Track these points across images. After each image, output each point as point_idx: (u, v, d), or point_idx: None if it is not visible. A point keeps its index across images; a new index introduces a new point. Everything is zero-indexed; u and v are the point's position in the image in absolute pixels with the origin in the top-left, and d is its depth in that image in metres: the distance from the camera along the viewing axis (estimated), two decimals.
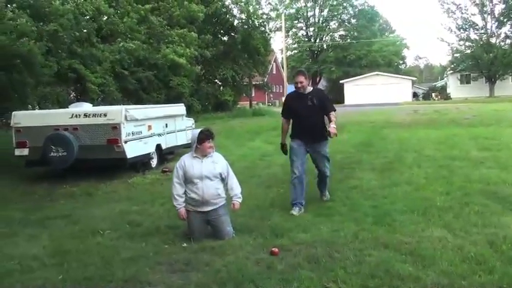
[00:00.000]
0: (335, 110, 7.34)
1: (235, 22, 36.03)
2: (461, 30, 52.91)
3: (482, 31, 52.67)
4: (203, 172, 5.98)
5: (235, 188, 6.20)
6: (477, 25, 52.67)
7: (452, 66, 56.11)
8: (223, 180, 6.14)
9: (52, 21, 15.42)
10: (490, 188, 8.10)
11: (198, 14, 26.36)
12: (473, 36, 53.06)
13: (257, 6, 36.85)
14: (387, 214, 6.74)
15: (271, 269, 4.77)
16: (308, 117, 7.23)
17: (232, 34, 35.90)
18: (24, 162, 11.73)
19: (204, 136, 6.04)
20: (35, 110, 16.20)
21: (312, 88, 7.63)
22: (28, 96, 15.16)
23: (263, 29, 37.15)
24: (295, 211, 7.02)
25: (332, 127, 6.96)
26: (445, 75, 64.95)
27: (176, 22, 25.49)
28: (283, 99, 8.18)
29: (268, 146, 14.85)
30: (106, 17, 21.24)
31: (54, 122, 11.30)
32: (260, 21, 36.18)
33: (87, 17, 18.78)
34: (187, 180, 6.05)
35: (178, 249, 5.65)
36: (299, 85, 7.27)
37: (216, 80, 36.13)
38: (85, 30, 18.10)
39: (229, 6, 35.38)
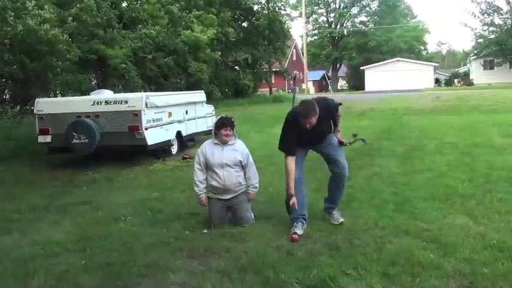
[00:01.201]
0: (341, 104, 6.09)
1: (255, 7, 35.86)
2: (485, 15, 51.99)
3: (507, 15, 51.68)
4: (224, 160, 5.98)
5: (253, 177, 6.17)
6: (501, 9, 51.73)
7: (476, 51, 55.21)
8: (243, 168, 6.14)
9: (74, 6, 15.59)
10: None
11: None
12: (497, 21, 52.16)
13: None
14: (408, 201, 6.70)
15: (291, 256, 4.78)
16: (318, 135, 5.86)
17: (253, 20, 35.71)
18: (46, 149, 11.88)
19: (221, 123, 6.03)
20: (57, 97, 16.37)
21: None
22: (51, 83, 15.34)
23: (284, 12, 36.94)
24: (298, 229, 5.51)
25: (337, 133, 6.11)
26: (468, 61, 63.98)
27: (194, 5, 25.48)
28: (287, 123, 6.02)
29: None
30: (127, 4, 21.37)
31: (76, 109, 11.41)
32: (280, 4, 35.95)
33: (109, 3, 18.89)
34: (209, 168, 6.06)
35: (198, 236, 5.68)
36: (308, 126, 5.53)
37: (236, 67, 36.07)
38: (105, 17, 18.21)
39: None
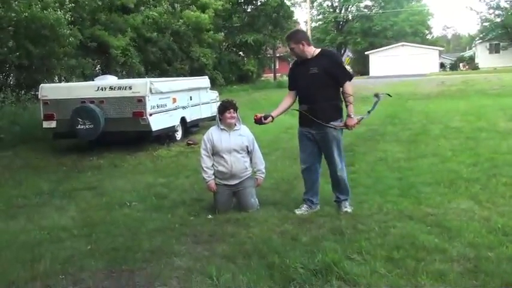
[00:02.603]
0: (351, 79, 5.75)
1: None
2: None
3: None
4: (231, 146, 5.98)
5: (259, 163, 6.18)
6: None
7: (481, 35, 54.86)
8: (249, 153, 6.14)
9: None
10: None
11: None
12: (503, 4, 51.70)
13: None
14: (412, 186, 6.70)
15: (295, 241, 4.79)
16: (309, 90, 5.57)
17: (257, 3, 35.43)
18: (51, 135, 11.91)
19: (223, 107, 6.02)
20: (61, 83, 16.38)
21: (319, 50, 5.71)
22: (55, 68, 15.35)
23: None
24: (298, 210, 5.78)
25: (351, 116, 5.57)
26: (473, 45, 63.56)
27: None
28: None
29: (292, 119, 14.68)
30: None
31: (81, 95, 11.41)
32: None
33: None
34: (215, 153, 6.06)
35: (203, 221, 5.70)
36: (290, 53, 5.89)
37: (240, 52, 35.91)
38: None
39: None
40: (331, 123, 5.56)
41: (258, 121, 5.62)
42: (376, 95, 5.96)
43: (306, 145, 5.80)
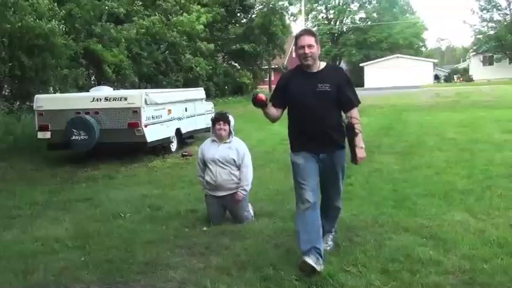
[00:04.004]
0: (359, 104, 4.65)
1: (257, 4, 35.69)
2: (484, 11, 51.97)
3: (506, 11, 51.68)
4: (215, 156, 5.97)
5: (244, 179, 5.99)
6: (500, 5, 51.70)
7: (475, 47, 55.22)
8: (238, 167, 6.06)
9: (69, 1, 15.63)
10: None
11: None
12: (496, 17, 52.15)
13: None
14: (407, 198, 6.70)
15: (290, 253, 4.77)
16: (316, 111, 4.44)
17: (252, 15, 35.53)
18: (46, 145, 11.87)
19: (214, 119, 6.08)
20: (56, 93, 16.37)
21: (325, 64, 4.63)
22: (50, 79, 15.34)
23: (284, 13, 36.61)
24: (311, 260, 4.14)
25: (360, 148, 4.53)
26: (467, 57, 63.94)
27: None
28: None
29: (287, 130, 14.79)
30: None
31: (76, 106, 11.40)
32: (279, 4, 35.72)
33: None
34: (204, 163, 6.10)
35: (198, 233, 5.68)
36: (307, 51, 4.41)
37: (236, 64, 35.97)
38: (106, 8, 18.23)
39: None
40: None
41: (259, 101, 4.42)
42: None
43: (311, 172, 4.53)
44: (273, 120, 4.70)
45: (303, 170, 4.53)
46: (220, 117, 6.05)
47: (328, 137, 4.52)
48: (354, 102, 4.59)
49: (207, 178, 6.05)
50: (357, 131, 4.51)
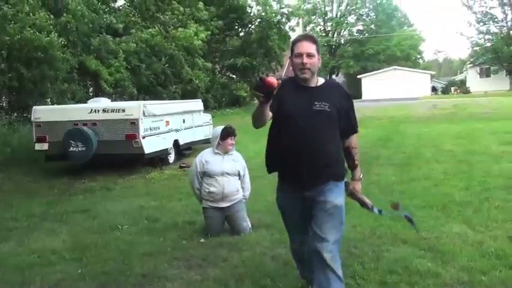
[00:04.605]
0: (357, 131, 3.91)
1: (254, 18, 35.79)
2: (481, 23, 52.27)
3: (502, 23, 52.01)
4: (224, 169, 6.02)
5: (246, 188, 6.30)
6: (497, 18, 52.03)
7: (472, 59, 55.48)
8: (240, 178, 6.21)
9: (65, 13, 15.68)
10: (510, 182, 8.00)
11: None
12: (493, 29, 52.44)
13: (274, 5, 36.25)
14: (405, 209, 6.67)
15: (288, 265, 4.76)
16: (310, 133, 3.58)
17: (250, 29, 35.65)
18: (43, 157, 11.85)
19: (227, 133, 6.09)
20: (54, 105, 16.37)
21: (324, 80, 3.82)
22: (48, 91, 15.36)
23: (281, 27, 36.67)
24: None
25: (360, 179, 4.03)
26: (464, 69, 64.20)
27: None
28: None
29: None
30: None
31: (74, 117, 11.40)
32: (277, 18, 35.81)
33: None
34: (208, 175, 6.08)
35: (195, 245, 5.66)
36: (305, 61, 3.57)
37: (233, 76, 36.00)
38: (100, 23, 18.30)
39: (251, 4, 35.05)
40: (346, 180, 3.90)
41: (268, 86, 3.14)
42: (395, 206, 4.30)
43: (296, 223, 3.91)
44: (262, 123, 3.54)
45: (288, 219, 3.97)
46: (232, 132, 6.13)
47: (321, 167, 3.60)
48: (356, 127, 3.86)
49: (212, 189, 6.05)
50: (356, 162, 3.90)
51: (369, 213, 6.55)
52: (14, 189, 10.23)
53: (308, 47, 3.58)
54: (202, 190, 6.12)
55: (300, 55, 3.57)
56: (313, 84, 3.69)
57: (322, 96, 3.64)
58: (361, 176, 4.02)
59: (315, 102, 3.60)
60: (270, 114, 3.47)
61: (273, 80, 3.10)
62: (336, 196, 3.71)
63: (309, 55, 3.57)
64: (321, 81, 3.77)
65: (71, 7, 16.06)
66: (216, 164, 6.07)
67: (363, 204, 4.13)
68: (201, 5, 25.57)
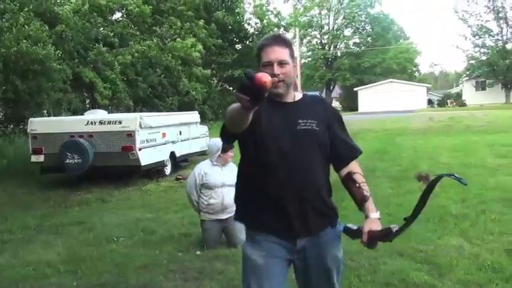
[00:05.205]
0: (361, 153, 2.85)
1: (251, 31, 35.98)
2: (477, 36, 52.62)
3: (498, 37, 52.37)
4: (226, 181, 6.02)
5: None
6: (492, 31, 52.39)
7: (468, 72, 55.78)
8: None
9: (59, 23, 15.75)
10: (506, 195, 8.00)
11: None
12: (488, 42, 52.78)
13: (272, 17, 36.46)
14: (402, 222, 6.68)
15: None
16: (296, 160, 2.62)
17: (247, 42, 35.84)
18: (39, 169, 11.82)
19: (228, 146, 6.09)
20: (50, 117, 16.37)
21: (301, 95, 2.82)
22: (44, 103, 15.36)
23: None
24: None
25: (375, 223, 2.67)
26: (460, 82, 64.53)
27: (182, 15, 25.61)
28: None
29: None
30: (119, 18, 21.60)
31: (70, 129, 11.39)
32: (275, 31, 36.01)
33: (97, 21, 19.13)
34: (207, 187, 6.08)
35: (191, 257, 5.64)
36: (276, 71, 2.58)
37: (231, 88, 36.12)
38: (100, 31, 18.37)
39: (249, 18, 35.27)
40: (347, 225, 2.82)
41: (259, 87, 2.06)
42: (407, 221, 2.69)
43: (273, 277, 2.66)
44: (240, 129, 2.42)
45: (261, 273, 2.63)
46: (233, 146, 6.12)
47: (314, 206, 2.66)
48: (355, 150, 2.81)
49: (212, 201, 6.05)
50: (366, 193, 2.72)
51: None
52: (9, 201, 10.19)
53: (280, 52, 2.61)
54: (200, 202, 6.10)
55: (270, 64, 2.59)
56: (289, 100, 2.69)
57: (304, 112, 2.68)
58: (378, 213, 2.72)
59: (299, 120, 2.63)
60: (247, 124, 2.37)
61: (265, 77, 2.05)
62: (337, 248, 2.86)
63: (281, 63, 2.60)
64: (298, 95, 2.76)
65: (62, 16, 16.12)
66: (216, 175, 6.07)
67: (388, 236, 2.64)
68: (201, 22, 25.67)
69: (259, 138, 2.58)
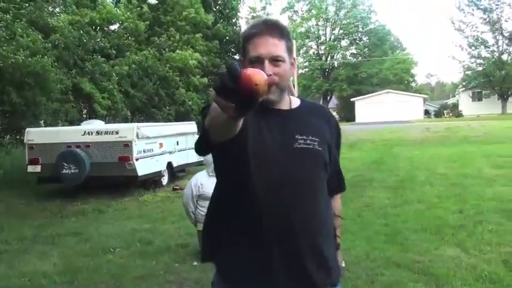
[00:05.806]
0: (345, 188, 2.32)
1: None
2: (473, 47, 52.85)
3: (494, 48, 52.65)
4: None
5: None
6: (488, 42, 52.64)
7: (464, 83, 55.96)
8: None
9: (55, 33, 15.78)
10: (503, 205, 8.01)
11: (205, 19, 26.36)
12: (484, 53, 53.00)
13: None
14: (399, 233, 6.68)
15: None
16: (294, 186, 1.89)
17: None
18: (36, 179, 11.79)
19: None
20: (47, 127, 16.35)
21: (300, 100, 2.11)
22: (42, 113, 15.34)
23: None
24: None
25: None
26: (456, 93, 64.71)
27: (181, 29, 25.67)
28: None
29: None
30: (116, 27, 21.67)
31: (67, 139, 11.37)
32: None
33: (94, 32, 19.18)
34: (204, 199, 6.04)
35: (188, 268, 5.62)
36: (268, 70, 1.83)
37: None
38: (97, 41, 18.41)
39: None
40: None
41: (248, 91, 1.31)
42: None
43: None
44: (222, 137, 1.71)
45: None
46: None
47: (317, 248, 2.01)
48: (344, 183, 2.31)
49: None
50: (338, 240, 2.43)
51: (363, 236, 6.57)
52: (5, 211, 10.14)
53: (273, 45, 1.90)
54: (197, 213, 6.08)
55: (259, 60, 1.89)
56: (284, 106, 2.02)
57: (305, 125, 2.01)
58: (343, 264, 2.52)
59: (296, 136, 1.96)
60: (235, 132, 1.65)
61: (256, 76, 1.33)
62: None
63: (275, 60, 1.90)
64: (296, 101, 2.10)
65: (57, 27, 16.16)
66: (213, 186, 6.02)
67: None
68: (198, 35, 25.74)
69: (244, 160, 1.86)
